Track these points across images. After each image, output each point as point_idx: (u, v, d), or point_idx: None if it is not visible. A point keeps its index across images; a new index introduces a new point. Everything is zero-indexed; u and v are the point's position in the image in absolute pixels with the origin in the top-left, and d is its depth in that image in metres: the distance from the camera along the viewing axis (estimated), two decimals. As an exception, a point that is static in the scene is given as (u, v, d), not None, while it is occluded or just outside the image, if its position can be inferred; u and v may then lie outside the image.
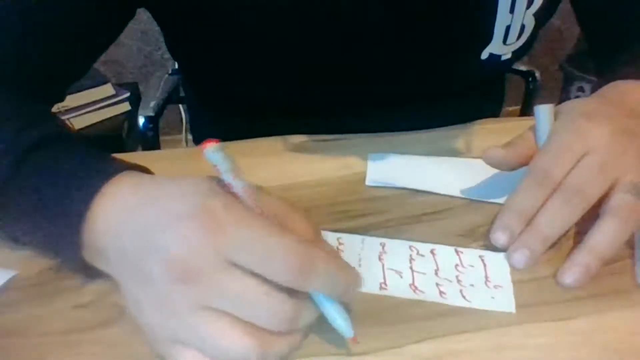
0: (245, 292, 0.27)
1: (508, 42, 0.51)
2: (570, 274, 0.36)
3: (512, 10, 0.48)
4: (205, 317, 0.27)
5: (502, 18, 0.49)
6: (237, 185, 0.29)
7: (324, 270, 0.28)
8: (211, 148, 0.29)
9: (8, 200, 0.35)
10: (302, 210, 0.32)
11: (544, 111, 0.42)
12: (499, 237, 0.38)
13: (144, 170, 0.36)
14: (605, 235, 0.36)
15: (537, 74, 1.01)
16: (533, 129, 0.42)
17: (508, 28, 0.50)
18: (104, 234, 0.31)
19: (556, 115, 0.42)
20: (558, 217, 0.37)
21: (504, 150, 0.41)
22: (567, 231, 0.38)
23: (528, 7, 0.49)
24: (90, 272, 0.34)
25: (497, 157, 0.41)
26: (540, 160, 0.39)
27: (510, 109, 1.09)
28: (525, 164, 0.41)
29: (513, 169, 0.42)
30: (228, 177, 0.29)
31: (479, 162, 0.48)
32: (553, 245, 0.38)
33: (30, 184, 0.35)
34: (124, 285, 0.30)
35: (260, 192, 0.31)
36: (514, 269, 0.37)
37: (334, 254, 0.30)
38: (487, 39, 0.51)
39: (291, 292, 0.28)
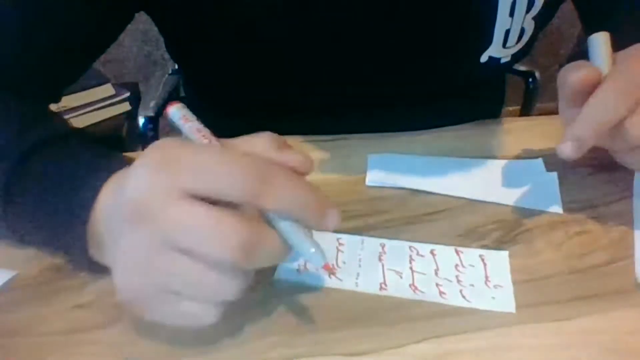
0: (195, 222, 0.26)
1: (507, 45, 0.51)
2: (567, 145, 0.36)
3: (511, 14, 0.48)
4: (173, 256, 0.26)
5: (502, 22, 0.49)
6: (201, 140, 0.30)
7: (281, 186, 0.27)
8: (174, 108, 0.29)
9: (13, 199, 0.35)
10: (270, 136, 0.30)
11: (600, 39, 0.40)
12: (566, 147, 0.37)
13: None
14: (593, 104, 0.36)
15: (537, 74, 1.01)
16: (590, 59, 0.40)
17: (507, 32, 0.50)
18: (101, 223, 0.32)
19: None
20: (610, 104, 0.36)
21: (582, 73, 0.38)
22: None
23: (528, 11, 0.49)
24: (95, 269, 0.34)
25: (579, 79, 0.38)
26: (623, 69, 0.37)
27: (510, 109, 1.08)
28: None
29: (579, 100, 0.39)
30: (191, 135, 0.30)
31: (479, 162, 0.48)
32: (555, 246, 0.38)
33: (35, 183, 0.35)
34: (112, 266, 0.30)
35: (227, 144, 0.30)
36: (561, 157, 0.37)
37: (294, 175, 0.28)
38: (487, 42, 0.50)
39: (248, 219, 0.27)
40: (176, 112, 0.30)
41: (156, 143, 0.28)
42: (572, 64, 0.39)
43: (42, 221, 0.34)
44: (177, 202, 0.26)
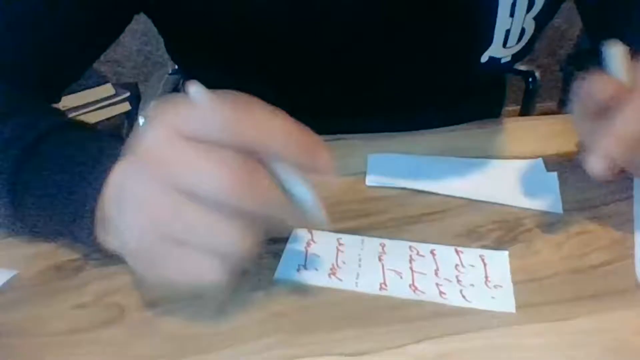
0: (192, 160, 0.27)
1: (508, 45, 0.51)
2: (597, 163, 0.35)
3: (512, 14, 0.48)
4: (179, 199, 0.27)
5: (502, 22, 0.49)
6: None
7: (261, 119, 0.28)
8: (195, 88, 0.30)
9: (22, 184, 0.35)
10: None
11: (617, 52, 0.38)
12: (596, 164, 0.36)
13: None
14: (626, 118, 0.35)
15: (537, 74, 1.01)
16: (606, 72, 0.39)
17: (508, 32, 0.50)
18: (108, 206, 0.32)
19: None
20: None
21: (604, 84, 0.37)
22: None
23: (528, 10, 0.48)
24: (98, 251, 0.35)
25: (603, 92, 0.37)
26: None
27: (510, 109, 1.08)
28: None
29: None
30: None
31: (479, 162, 0.48)
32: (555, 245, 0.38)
33: (43, 167, 0.35)
34: (120, 244, 0.31)
35: None
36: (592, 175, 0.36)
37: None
38: (487, 43, 0.50)
39: (244, 159, 0.27)
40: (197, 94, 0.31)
41: (146, 135, 0.29)
42: (594, 76, 0.38)
43: (50, 203, 0.35)
44: (176, 143, 0.27)
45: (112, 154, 0.33)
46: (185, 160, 0.27)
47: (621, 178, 0.36)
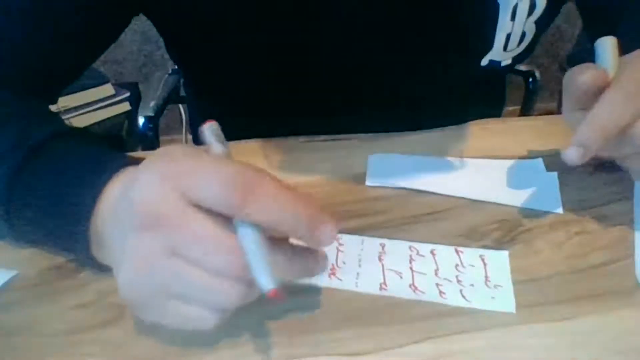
0: (203, 234, 0.27)
1: (508, 49, 0.51)
2: (572, 151, 0.35)
3: (513, 18, 0.48)
4: (179, 264, 0.27)
5: (503, 26, 0.48)
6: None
7: (266, 196, 0.26)
8: (208, 125, 0.31)
9: (16, 198, 0.35)
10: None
11: (607, 44, 0.40)
12: (572, 153, 0.36)
13: None
14: (601, 108, 0.35)
15: (537, 74, 1.01)
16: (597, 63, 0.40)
17: (509, 36, 0.49)
18: (103, 223, 0.32)
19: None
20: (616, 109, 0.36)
21: (591, 75, 0.38)
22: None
23: (529, 14, 0.48)
24: (96, 266, 0.35)
25: (588, 82, 0.37)
26: (629, 75, 0.37)
27: (510, 109, 1.08)
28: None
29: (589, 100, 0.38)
30: (218, 149, 0.31)
31: (479, 162, 0.48)
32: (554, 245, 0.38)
33: (38, 181, 0.35)
34: (115, 266, 0.30)
35: None
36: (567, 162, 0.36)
37: (284, 186, 0.28)
38: (488, 46, 0.50)
39: None
40: (207, 129, 0.32)
41: (163, 150, 0.29)
42: (579, 66, 0.39)
43: (45, 218, 0.35)
44: (185, 211, 0.27)
45: (106, 167, 0.33)
46: (199, 236, 0.27)
47: (618, 177, 0.36)
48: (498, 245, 0.39)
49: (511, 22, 0.48)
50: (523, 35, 0.50)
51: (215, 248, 0.27)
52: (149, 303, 0.29)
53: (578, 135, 0.36)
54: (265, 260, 0.26)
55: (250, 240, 0.27)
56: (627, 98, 0.36)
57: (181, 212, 0.27)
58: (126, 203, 0.28)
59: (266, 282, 0.26)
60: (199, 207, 0.27)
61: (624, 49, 0.41)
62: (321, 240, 0.28)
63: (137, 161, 0.35)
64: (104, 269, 0.34)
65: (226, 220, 0.27)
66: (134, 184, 0.28)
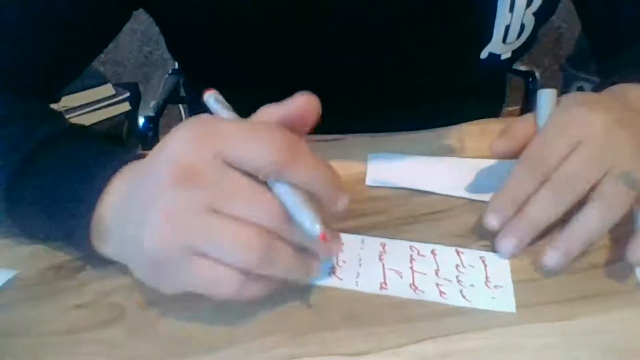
0: (240, 190, 0.28)
1: (508, 41, 0.51)
2: (549, 258, 0.36)
3: (511, 10, 0.48)
4: (214, 219, 0.28)
5: (502, 17, 0.49)
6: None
7: (306, 160, 0.29)
8: (210, 93, 0.33)
9: (19, 194, 0.36)
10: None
11: (546, 96, 0.42)
12: (491, 220, 0.38)
13: None
14: (586, 222, 0.36)
15: (537, 74, 1.01)
16: (535, 112, 0.42)
17: (508, 27, 0.50)
18: (109, 212, 0.33)
19: (558, 104, 0.42)
20: (547, 207, 0.37)
21: (506, 141, 0.41)
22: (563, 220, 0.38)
23: (528, 6, 0.49)
24: (93, 257, 0.35)
25: (501, 149, 0.41)
26: (535, 147, 0.39)
27: (510, 109, 1.09)
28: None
29: (518, 155, 0.41)
30: (226, 115, 0.32)
31: (479, 162, 0.48)
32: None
33: (42, 172, 0.36)
34: (125, 244, 0.31)
35: None
36: (502, 256, 0.38)
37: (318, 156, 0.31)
38: (487, 38, 0.50)
39: None
40: (209, 97, 0.34)
41: (192, 118, 0.30)
42: (518, 120, 0.42)
43: (46, 208, 0.35)
44: (222, 168, 0.28)
45: (108, 165, 0.34)
46: (229, 187, 0.28)
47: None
48: (498, 245, 0.39)
49: (510, 14, 0.48)
50: (522, 27, 0.50)
51: (255, 201, 0.28)
52: (173, 262, 0.29)
53: (493, 204, 0.39)
54: (310, 208, 0.29)
55: (290, 193, 0.29)
56: (531, 170, 0.38)
57: (218, 170, 0.28)
58: (156, 161, 0.29)
59: (315, 227, 0.28)
60: (231, 165, 0.28)
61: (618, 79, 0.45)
62: (338, 207, 0.31)
63: (141, 157, 0.35)
64: (96, 260, 0.35)
65: (258, 179, 0.29)
66: (168, 144, 0.29)
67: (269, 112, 0.32)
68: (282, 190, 0.29)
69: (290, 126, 0.31)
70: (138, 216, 0.30)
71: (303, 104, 0.31)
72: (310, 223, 0.28)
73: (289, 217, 0.29)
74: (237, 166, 0.29)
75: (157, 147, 0.30)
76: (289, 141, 0.28)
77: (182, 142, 0.29)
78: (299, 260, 0.31)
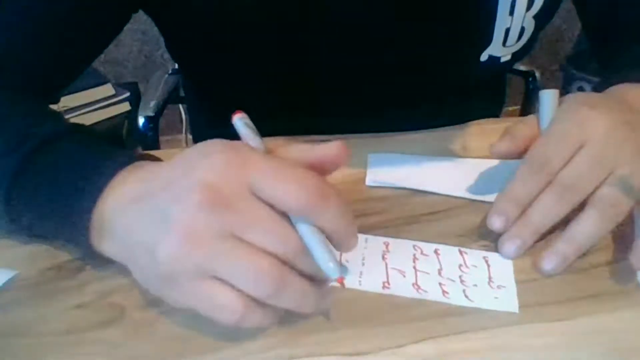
0: (266, 222, 0.29)
1: (507, 44, 0.51)
2: (548, 262, 0.37)
3: (511, 13, 0.48)
4: (234, 244, 0.28)
5: (502, 20, 0.49)
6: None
7: (335, 207, 0.29)
8: (240, 116, 0.34)
9: (21, 191, 0.36)
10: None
11: (548, 96, 0.42)
12: (495, 221, 0.39)
13: (156, 159, 0.37)
14: (584, 227, 0.37)
15: (537, 74, 1.01)
16: (536, 114, 0.42)
17: (508, 30, 0.50)
18: (112, 212, 0.32)
19: (560, 104, 0.42)
20: (550, 210, 0.38)
21: (507, 142, 0.41)
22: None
23: (528, 9, 0.48)
24: (92, 256, 0.35)
25: (502, 151, 0.41)
26: (539, 148, 0.39)
27: (510, 109, 1.09)
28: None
29: (521, 157, 0.41)
30: (255, 142, 0.33)
31: (479, 162, 0.48)
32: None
33: (43, 171, 0.36)
34: (132, 249, 0.31)
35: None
36: (505, 257, 0.38)
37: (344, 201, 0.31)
38: (487, 41, 0.50)
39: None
40: (239, 121, 0.34)
41: (226, 142, 0.31)
42: (521, 121, 0.43)
43: (46, 207, 0.35)
44: (249, 199, 0.29)
45: (109, 163, 0.34)
46: (254, 216, 0.28)
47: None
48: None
49: (510, 17, 0.48)
50: (522, 30, 0.50)
51: (275, 230, 0.28)
52: (184, 279, 0.29)
53: (497, 206, 0.39)
54: (330, 250, 0.29)
55: (312, 232, 0.29)
56: (535, 172, 0.38)
57: (246, 199, 0.28)
58: (185, 179, 0.29)
59: (334, 269, 0.29)
60: (260, 197, 0.29)
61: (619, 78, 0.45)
62: (349, 250, 0.31)
63: (143, 157, 0.36)
64: (102, 264, 0.35)
65: (283, 214, 0.29)
66: (199, 163, 0.29)
67: (299, 151, 0.32)
68: (305, 229, 0.29)
69: (317, 168, 0.31)
70: (153, 226, 0.29)
71: (336, 152, 0.31)
72: (333, 267, 0.29)
73: (305, 249, 0.29)
74: (266, 201, 0.29)
75: (185, 162, 0.30)
76: (321, 187, 0.29)
77: (216, 166, 0.29)
78: (310, 293, 0.30)
